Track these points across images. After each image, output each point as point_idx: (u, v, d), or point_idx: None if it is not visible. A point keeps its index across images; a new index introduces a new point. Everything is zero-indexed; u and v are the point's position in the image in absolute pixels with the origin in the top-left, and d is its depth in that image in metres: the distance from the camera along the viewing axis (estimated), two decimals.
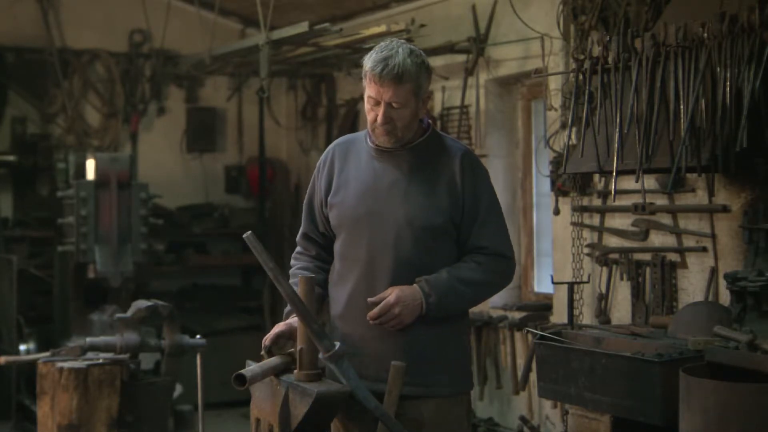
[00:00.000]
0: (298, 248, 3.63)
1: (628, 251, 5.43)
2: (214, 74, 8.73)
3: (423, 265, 3.34)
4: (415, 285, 3.31)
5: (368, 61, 3.32)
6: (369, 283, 3.36)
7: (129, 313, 4.87)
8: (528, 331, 5.95)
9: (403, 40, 3.45)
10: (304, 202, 3.63)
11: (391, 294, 3.29)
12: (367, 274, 3.36)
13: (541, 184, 6.60)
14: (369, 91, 3.33)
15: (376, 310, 3.29)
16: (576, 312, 5.24)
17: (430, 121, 3.50)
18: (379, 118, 3.32)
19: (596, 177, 5.65)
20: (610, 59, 4.40)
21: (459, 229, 3.40)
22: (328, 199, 3.49)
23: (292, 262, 3.61)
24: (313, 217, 3.59)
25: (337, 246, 3.49)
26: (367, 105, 3.36)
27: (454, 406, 3.42)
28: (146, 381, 4.87)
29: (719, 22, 4.03)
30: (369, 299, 3.31)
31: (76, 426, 4.60)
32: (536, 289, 6.74)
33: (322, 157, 3.58)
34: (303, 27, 6.35)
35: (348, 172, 3.47)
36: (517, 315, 6.38)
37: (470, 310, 3.32)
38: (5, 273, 7.28)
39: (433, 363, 3.35)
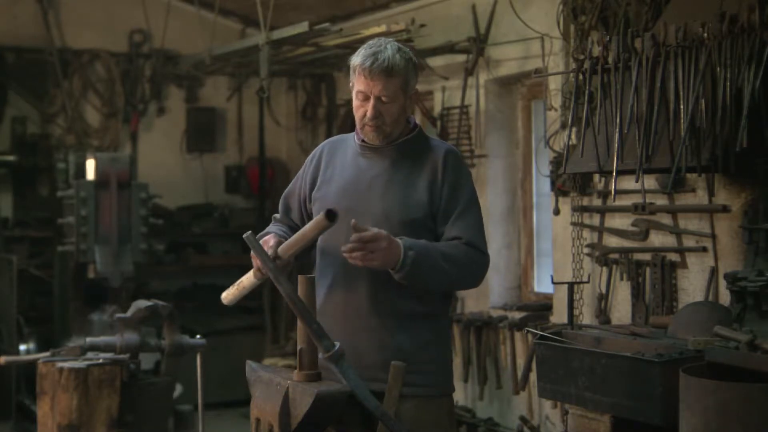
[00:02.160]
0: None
1: (628, 251, 5.43)
2: (214, 74, 8.73)
3: None
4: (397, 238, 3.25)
5: (357, 57, 3.36)
6: (346, 279, 3.35)
7: (129, 313, 4.87)
8: (528, 331, 5.94)
9: (390, 39, 3.47)
10: (282, 195, 3.65)
11: (383, 232, 3.20)
12: (345, 269, 3.34)
13: (541, 184, 6.60)
14: (358, 86, 3.36)
15: (358, 235, 3.17)
16: (576, 312, 5.23)
17: (417, 122, 3.53)
18: (369, 113, 3.35)
19: (596, 177, 5.64)
20: (610, 59, 4.40)
21: (436, 221, 3.38)
22: (312, 194, 3.52)
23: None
24: (288, 209, 3.63)
25: (319, 243, 3.50)
26: (355, 102, 3.39)
27: (434, 408, 3.40)
28: (146, 381, 4.86)
29: (719, 22, 4.03)
30: (354, 222, 3.19)
31: (76, 426, 4.59)
32: (536, 289, 6.74)
33: (312, 153, 3.62)
34: (303, 27, 6.35)
35: (333, 168, 3.50)
36: (517, 315, 6.38)
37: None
38: (5, 273, 7.28)
39: (412, 362, 3.30)
